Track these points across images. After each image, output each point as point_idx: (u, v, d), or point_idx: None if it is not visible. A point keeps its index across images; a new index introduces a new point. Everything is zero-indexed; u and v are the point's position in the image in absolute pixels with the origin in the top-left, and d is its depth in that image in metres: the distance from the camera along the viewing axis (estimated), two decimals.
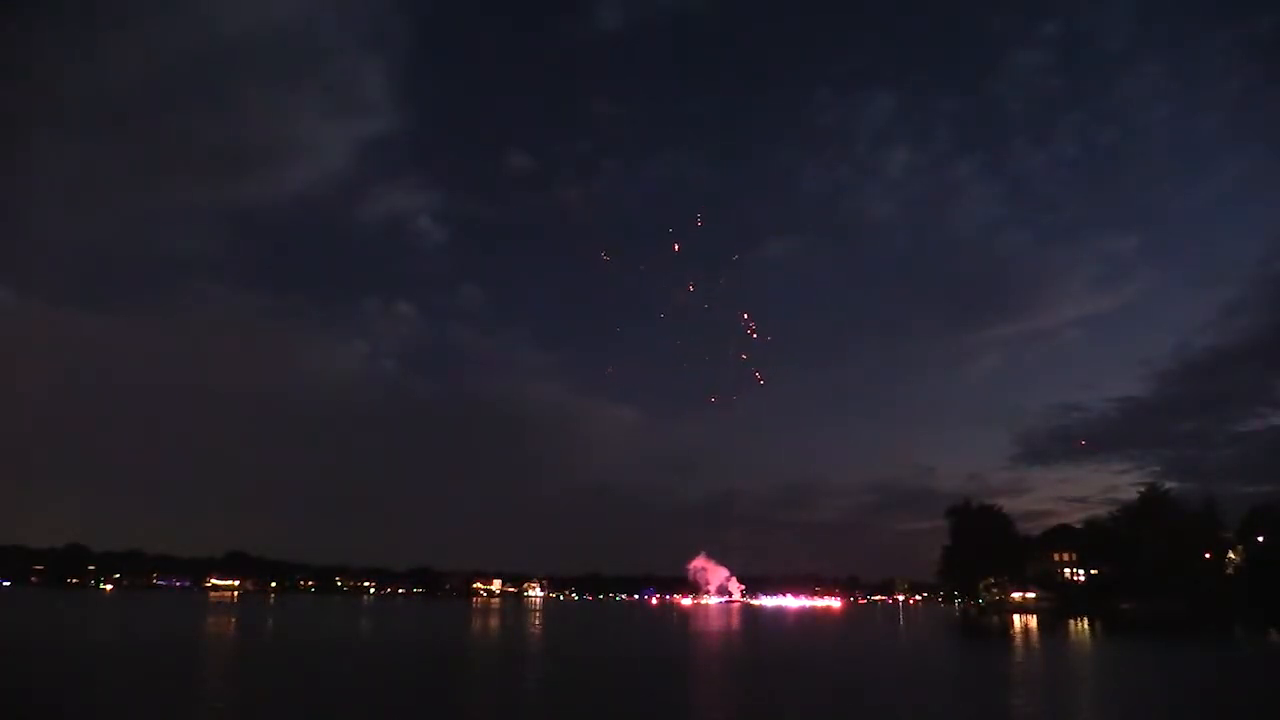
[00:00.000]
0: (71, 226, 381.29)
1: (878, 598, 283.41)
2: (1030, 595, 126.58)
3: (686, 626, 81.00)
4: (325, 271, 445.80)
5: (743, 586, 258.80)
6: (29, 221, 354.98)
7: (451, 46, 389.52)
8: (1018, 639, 63.03)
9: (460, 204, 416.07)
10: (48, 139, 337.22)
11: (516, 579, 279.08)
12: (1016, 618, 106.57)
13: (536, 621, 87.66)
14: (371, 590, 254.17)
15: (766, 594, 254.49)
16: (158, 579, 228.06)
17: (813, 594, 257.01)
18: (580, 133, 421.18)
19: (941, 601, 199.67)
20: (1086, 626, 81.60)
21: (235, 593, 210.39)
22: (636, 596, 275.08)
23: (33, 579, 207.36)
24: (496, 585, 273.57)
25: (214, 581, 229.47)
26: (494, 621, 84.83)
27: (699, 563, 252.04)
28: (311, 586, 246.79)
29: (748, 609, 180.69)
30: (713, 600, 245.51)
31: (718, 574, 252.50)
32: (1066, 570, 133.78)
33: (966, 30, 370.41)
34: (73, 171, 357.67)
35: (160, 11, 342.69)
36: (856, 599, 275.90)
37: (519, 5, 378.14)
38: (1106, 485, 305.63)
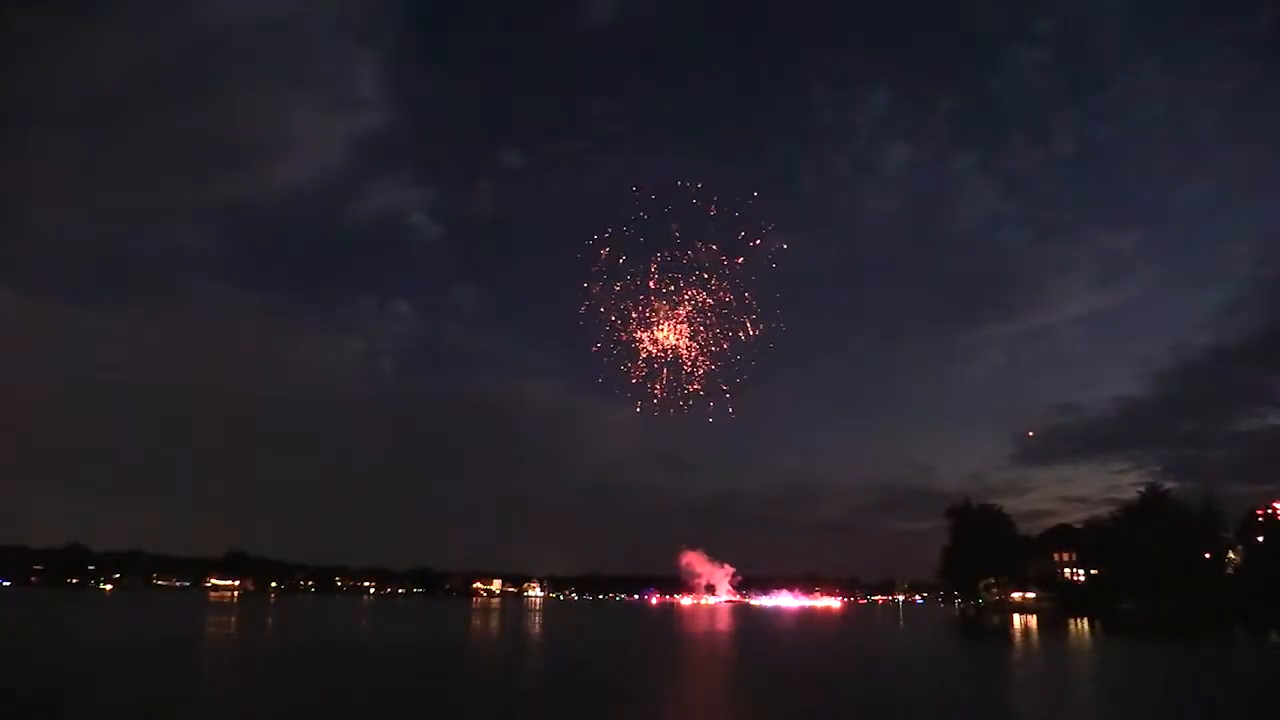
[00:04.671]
0: (66, 224, 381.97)
1: (878, 598, 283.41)
2: (1030, 595, 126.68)
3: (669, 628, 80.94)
4: (321, 269, 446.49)
5: (739, 579, 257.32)
6: (24, 219, 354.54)
7: (444, 42, 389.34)
8: (1018, 639, 63.03)
9: (455, 201, 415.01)
10: (42, 136, 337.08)
11: (516, 579, 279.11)
12: (1016, 618, 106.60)
13: (536, 622, 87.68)
14: (371, 590, 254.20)
15: (766, 593, 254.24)
16: (158, 579, 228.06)
17: (812, 594, 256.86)
18: (574, 130, 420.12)
19: (941, 601, 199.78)
20: (1086, 626, 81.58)
21: (235, 593, 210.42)
22: (636, 596, 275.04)
23: (33, 579, 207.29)
24: (496, 585, 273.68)
25: (214, 581, 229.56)
26: (494, 621, 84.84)
27: (689, 559, 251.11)
28: (311, 586, 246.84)
29: (745, 608, 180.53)
30: (713, 599, 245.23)
31: (709, 571, 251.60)
32: (1066, 570, 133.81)
33: (963, 26, 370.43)
34: (67, 168, 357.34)
35: (153, 7, 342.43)
36: (856, 599, 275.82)
37: (513, 0, 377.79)
38: (1106, 485, 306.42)
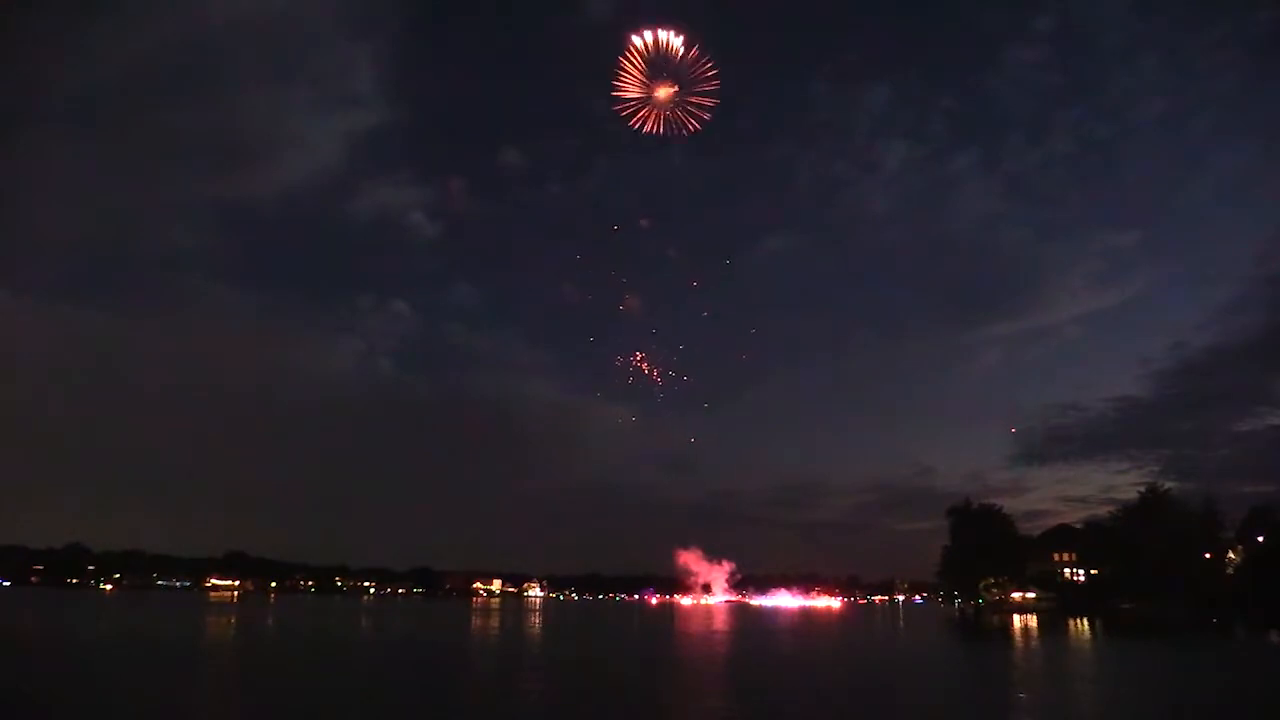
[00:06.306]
0: (63, 223, 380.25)
1: (878, 598, 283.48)
2: (1030, 595, 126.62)
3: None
4: (318, 268, 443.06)
5: (739, 578, 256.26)
6: (21, 218, 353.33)
7: (443, 40, 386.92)
8: (1018, 639, 63.02)
9: (453, 200, 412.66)
10: (37, 134, 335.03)
11: (516, 579, 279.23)
12: (1016, 618, 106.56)
13: (535, 622, 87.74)
14: (371, 590, 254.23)
15: (765, 593, 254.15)
16: (158, 579, 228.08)
17: (812, 593, 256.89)
18: (571, 128, 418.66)
19: (941, 601, 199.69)
20: (1086, 626, 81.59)
21: (235, 593, 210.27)
22: (636, 596, 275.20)
23: (33, 579, 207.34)
24: (496, 585, 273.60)
25: (214, 581, 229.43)
26: (494, 621, 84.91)
27: (686, 558, 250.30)
28: (311, 586, 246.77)
29: (744, 608, 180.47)
30: (711, 599, 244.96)
31: (706, 570, 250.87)
32: (1066, 570, 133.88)
33: (962, 25, 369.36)
34: (65, 168, 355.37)
35: (150, 6, 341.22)
36: (856, 599, 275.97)
37: None
38: (1106, 485, 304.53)
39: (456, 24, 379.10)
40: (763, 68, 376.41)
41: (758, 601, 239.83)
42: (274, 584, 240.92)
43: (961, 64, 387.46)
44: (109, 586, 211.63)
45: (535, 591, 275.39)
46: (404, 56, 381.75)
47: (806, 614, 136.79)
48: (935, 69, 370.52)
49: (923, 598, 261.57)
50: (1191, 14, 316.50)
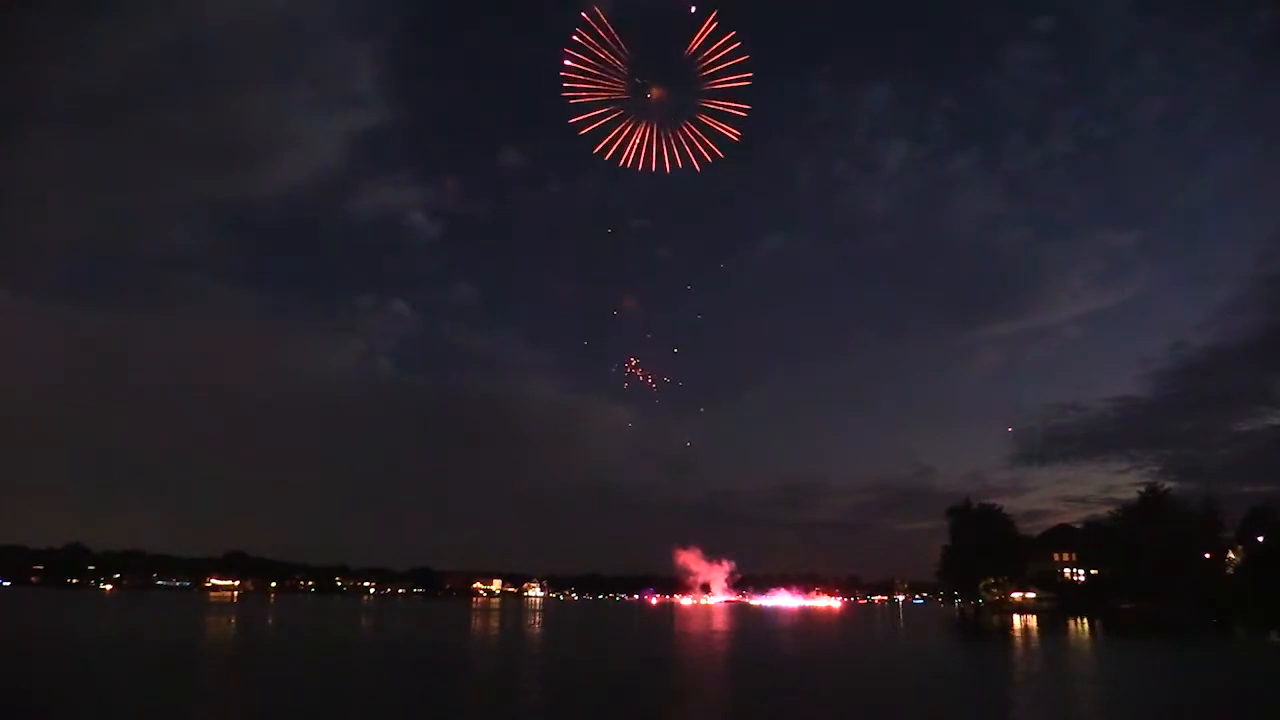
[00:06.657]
0: (63, 223, 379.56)
1: (878, 598, 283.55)
2: (1030, 595, 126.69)
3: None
4: (318, 268, 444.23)
5: (739, 578, 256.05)
6: (21, 218, 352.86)
7: (443, 39, 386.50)
8: (1018, 639, 63.03)
9: (453, 200, 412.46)
10: (40, 135, 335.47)
11: (516, 579, 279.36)
12: (1016, 618, 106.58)
13: (536, 622, 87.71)
14: (371, 590, 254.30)
15: (765, 593, 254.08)
16: (158, 579, 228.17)
17: (812, 593, 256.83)
18: (571, 128, 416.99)
19: (941, 601, 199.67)
20: (1086, 626, 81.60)
21: (235, 593, 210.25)
22: (636, 596, 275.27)
23: (33, 579, 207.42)
24: (496, 585, 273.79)
25: (214, 581, 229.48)
26: (494, 621, 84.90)
27: (685, 558, 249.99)
28: (311, 586, 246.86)
29: (744, 608, 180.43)
30: (711, 599, 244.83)
31: (705, 570, 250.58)
32: (1066, 570, 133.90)
33: (962, 25, 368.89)
34: (65, 168, 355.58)
35: (149, 6, 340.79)
36: (856, 599, 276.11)
37: None
38: (1106, 485, 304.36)
39: (456, 23, 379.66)
40: (763, 66, 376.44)
41: (758, 601, 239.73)
42: (274, 584, 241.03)
43: (961, 64, 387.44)
44: (109, 586, 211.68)
45: (535, 591, 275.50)
46: (404, 56, 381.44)
47: (806, 614, 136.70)
48: (935, 69, 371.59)
49: (923, 598, 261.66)
50: (1191, 14, 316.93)
